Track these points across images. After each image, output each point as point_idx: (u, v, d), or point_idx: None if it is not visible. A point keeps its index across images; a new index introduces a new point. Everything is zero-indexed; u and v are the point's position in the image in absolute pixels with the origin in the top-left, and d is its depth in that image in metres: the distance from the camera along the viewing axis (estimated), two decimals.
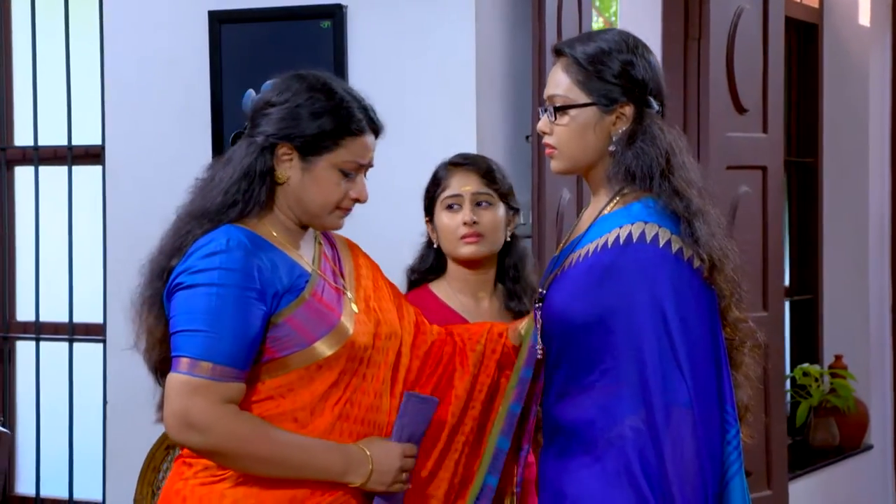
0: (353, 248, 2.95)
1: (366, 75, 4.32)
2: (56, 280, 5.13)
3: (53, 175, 5.17)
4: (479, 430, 2.96)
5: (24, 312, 5.31)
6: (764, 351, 5.33)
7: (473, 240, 3.31)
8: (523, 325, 2.99)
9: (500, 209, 3.35)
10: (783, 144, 5.70)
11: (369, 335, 2.74)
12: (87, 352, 5.12)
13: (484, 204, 3.34)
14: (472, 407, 2.96)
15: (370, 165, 2.79)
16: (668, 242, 2.64)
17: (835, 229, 6.83)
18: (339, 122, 2.70)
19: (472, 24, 4.21)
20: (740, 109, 5.41)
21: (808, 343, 6.83)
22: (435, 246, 3.41)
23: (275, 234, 2.71)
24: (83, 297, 5.09)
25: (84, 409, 5.11)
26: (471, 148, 4.12)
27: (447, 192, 3.35)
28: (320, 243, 2.83)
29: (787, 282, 6.73)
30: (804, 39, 6.82)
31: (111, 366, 4.72)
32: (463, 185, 3.35)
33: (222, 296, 2.56)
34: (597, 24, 9.49)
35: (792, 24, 6.68)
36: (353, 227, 4.18)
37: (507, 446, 2.93)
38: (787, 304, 6.70)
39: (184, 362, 2.55)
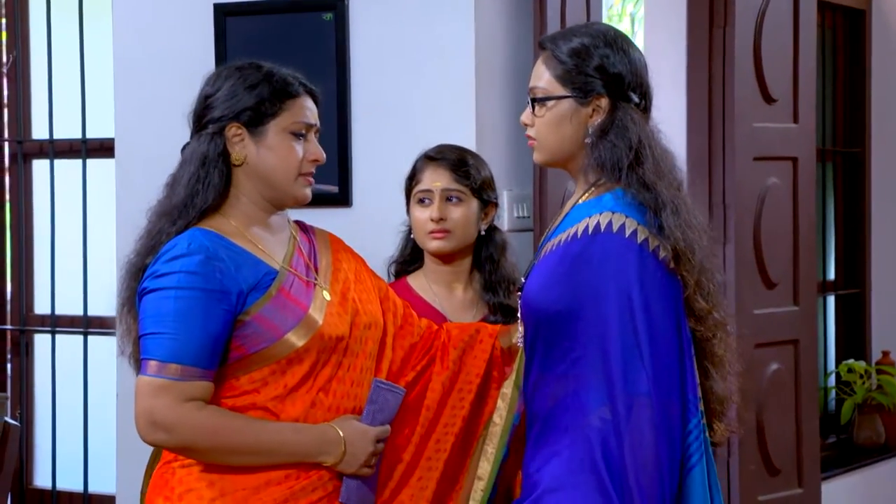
0: (334, 242, 3.06)
1: (367, 67, 4.42)
2: (72, 273, 5.28)
3: (70, 168, 5.33)
4: (468, 432, 3.05)
5: (41, 305, 5.47)
6: (794, 347, 5.41)
7: (440, 235, 3.42)
8: (517, 333, 3.07)
9: (472, 204, 3.45)
10: (815, 135, 5.70)
11: (345, 325, 2.86)
12: (103, 345, 5.26)
13: (454, 199, 3.44)
14: (461, 406, 3.05)
15: (318, 129, 2.91)
16: (634, 232, 2.73)
17: (883, 221, 6.81)
18: (274, 88, 2.84)
19: (471, 15, 4.29)
20: (769, 99, 5.43)
21: (854, 338, 6.82)
22: (412, 236, 3.52)
23: (242, 230, 2.83)
24: (99, 289, 5.24)
25: (100, 402, 5.25)
26: (471, 139, 4.21)
27: (419, 187, 3.47)
28: (296, 239, 2.93)
29: (832, 276, 6.74)
30: (851, 26, 6.80)
31: (121, 359, 4.84)
32: (433, 180, 3.45)
33: (184, 298, 2.69)
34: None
35: (839, 11, 6.68)
36: (352, 218, 4.34)
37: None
38: (832, 299, 6.71)
39: (152, 365, 2.69)
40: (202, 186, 2.80)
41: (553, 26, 4.37)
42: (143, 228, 2.85)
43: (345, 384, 2.85)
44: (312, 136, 2.89)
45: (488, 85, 4.32)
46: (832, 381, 6.62)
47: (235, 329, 2.75)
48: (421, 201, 3.46)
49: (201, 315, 2.69)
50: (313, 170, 2.90)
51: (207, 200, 2.81)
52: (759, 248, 5.40)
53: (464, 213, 3.44)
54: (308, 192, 2.91)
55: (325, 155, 2.92)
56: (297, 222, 3.03)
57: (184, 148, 2.90)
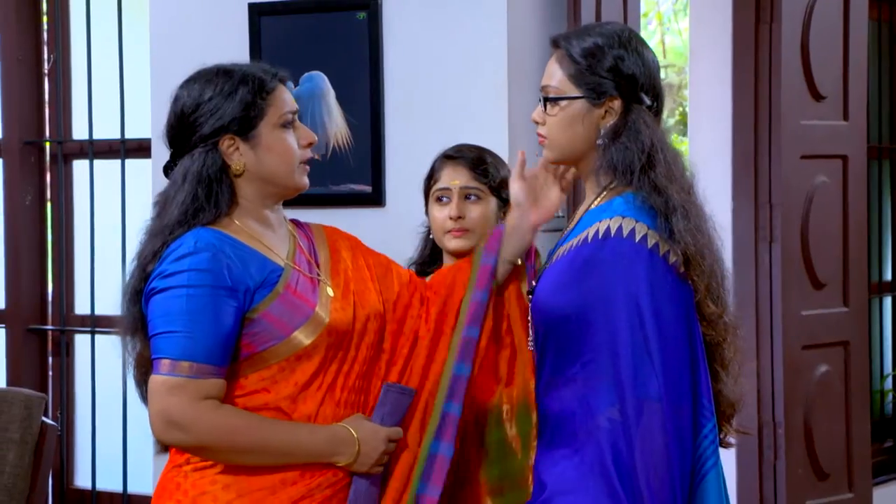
0: (329, 233, 3.07)
1: (400, 66, 4.47)
2: (112, 273, 5.35)
3: (109, 168, 5.42)
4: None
5: (82, 306, 5.56)
6: (844, 348, 5.41)
7: (459, 234, 3.45)
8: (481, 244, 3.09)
9: (491, 203, 3.48)
10: (866, 132, 5.68)
11: (348, 320, 2.88)
12: None
13: (472, 198, 3.47)
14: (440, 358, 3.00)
15: (297, 110, 2.93)
16: (645, 237, 2.76)
17: None
18: (252, 88, 2.85)
19: (504, 14, 4.33)
20: (817, 96, 5.43)
21: None
22: (431, 237, 3.57)
23: (246, 230, 2.85)
24: None
25: (140, 402, 5.31)
26: (503, 139, 4.27)
27: (437, 185, 3.50)
28: (295, 237, 2.96)
29: (889, 276, 6.71)
30: None
31: None
32: (452, 178, 3.48)
33: (194, 296, 2.71)
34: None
35: (894, 4, 6.65)
36: (385, 219, 4.39)
37: (467, 371, 2.95)
38: (889, 300, 6.69)
39: (164, 363, 2.71)
40: (207, 204, 2.81)
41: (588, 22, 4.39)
42: (135, 251, 2.86)
43: (351, 378, 2.88)
44: (297, 121, 2.92)
45: (521, 84, 4.35)
46: (889, 383, 6.60)
47: (244, 327, 2.77)
48: (439, 200, 3.50)
49: (212, 312, 2.72)
50: (310, 154, 2.93)
51: (216, 216, 2.82)
52: (806, 249, 5.39)
53: (482, 212, 3.47)
54: (307, 179, 2.93)
55: (315, 135, 2.95)
56: (293, 221, 3.05)
57: (167, 168, 2.91)
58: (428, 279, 3.57)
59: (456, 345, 2.97)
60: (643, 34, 11.55)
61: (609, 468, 2.70)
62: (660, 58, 11.81)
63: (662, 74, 11.87)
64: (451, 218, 3.46)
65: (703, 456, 2.76)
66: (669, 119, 11.71)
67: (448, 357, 2.97)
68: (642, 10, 11.10)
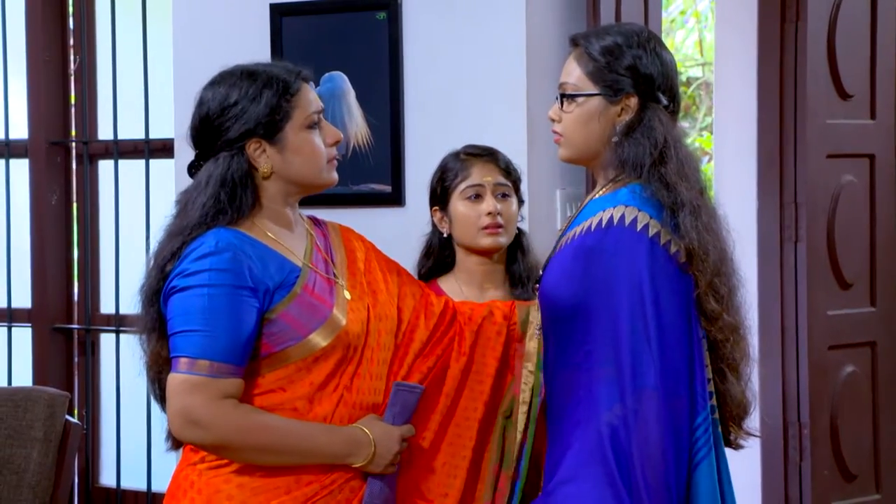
0: (345, 233, 3.12)
1: (420, 66, 4.53)
2: (136, 272, 5.42)
3: (133, 168, 5.50)
4: (489, 414, 3.10)
5: (107, 305, 5.64)
6: (871, 349, 5.43)
7: (496, 230, 3.47)
8: (533, 310, 3.15)
9: (515, 201, 3.54)
10: (894, 131, 5.69)
11: (363, 322, 2.93)
12: None
13: (503, 195, 3.52)
14: (480, 391, 3.09)
15: (322, 108, 2.97)
16: (646, 226, 2.82)
17: None
18: (277, 90, 2.88)
19: (523, 14, 4.39)
20: (843, 95, 5.46)
21: None
22: (445, 235, 3.57)
23: (266, 230, 2.89)
24: None
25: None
26: (522, 138, 4.34)
27: (468, 182, 3.50)
28: (312, 235, 3.00)
29: None
30: None
31: None
32: (484, 175, 3.50)
33: (215, 296, 2.76)
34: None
35: None
36: (405, 218, 4.44)
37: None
38: None
39: (183, 362, 2.75)
40: (230, 207, 2.84)
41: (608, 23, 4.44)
42: (153, 251, 2.91)
43: (366, 379, 2.93)
44: (323, 120, 2.95)
45: (540, 84, 4.40)
46: None
47: (263, 327, 2.81)
48: (470, 197, 3.50)
49: (232, 312, 2.76)
50: (335, 152, 2.96)
51: (235, 219, 2.86)
52: (832, 248, 5.42)
53: (513, 209, 3.51)
54: (336, 174, 2.98)
55: (341, 133, 2.99)
56: (311, 218, 3.09)
57: (191, 169, 2.95)
58: (440, 281, 3.60)
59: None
60: (681, 32, 11.45)
61: (608, 457, 2.76)
62: (697, 56, 11.81)
63: (699, 73, 11.87)
64: (489, 213, 3.46)
65: (696, 444, 2.81)
66: (706, 118, 11.71)
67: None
68: (679, 7, 11.13)
